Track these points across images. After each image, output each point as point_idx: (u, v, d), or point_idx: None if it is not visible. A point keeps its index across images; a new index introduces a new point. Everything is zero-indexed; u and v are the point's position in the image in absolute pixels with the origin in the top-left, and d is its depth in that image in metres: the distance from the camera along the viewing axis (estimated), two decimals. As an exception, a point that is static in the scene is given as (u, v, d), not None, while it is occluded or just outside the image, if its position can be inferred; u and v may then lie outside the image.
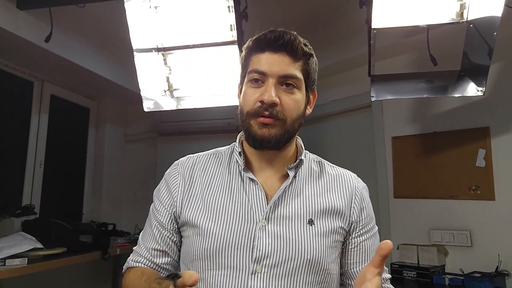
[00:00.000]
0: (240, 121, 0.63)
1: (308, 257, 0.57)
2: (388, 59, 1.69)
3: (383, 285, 0.65)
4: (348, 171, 0.69)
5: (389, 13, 1.19)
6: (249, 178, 0.62)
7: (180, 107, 1.42)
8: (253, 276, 0.56)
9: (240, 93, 0.64)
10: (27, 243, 1.27)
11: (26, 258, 1.23)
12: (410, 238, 1.64)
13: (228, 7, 1.23)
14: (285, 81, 0.59)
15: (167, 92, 1.40)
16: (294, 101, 0.60)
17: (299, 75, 0.60)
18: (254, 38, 0.63)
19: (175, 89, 1.41)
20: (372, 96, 1.38)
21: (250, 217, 0.59)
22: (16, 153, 1.71)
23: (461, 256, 1.51)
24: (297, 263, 0.57)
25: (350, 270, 0.65)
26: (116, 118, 2.26)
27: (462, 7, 1.18)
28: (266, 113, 0.58)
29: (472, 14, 1.17)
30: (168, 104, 1.42)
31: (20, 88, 1.74)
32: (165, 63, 1.36)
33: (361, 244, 0.64)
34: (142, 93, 1.38)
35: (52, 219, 1.51)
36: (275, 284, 0.56)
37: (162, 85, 1.39)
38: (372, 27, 1.21)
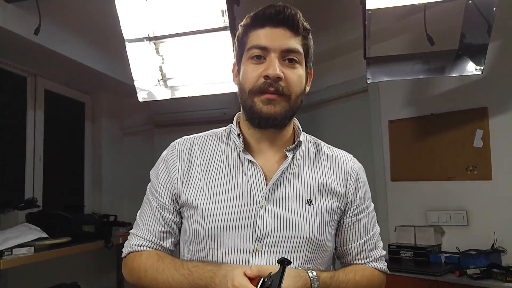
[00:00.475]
0: (241, 100, 0.61)
1: (307, 236, 0.59)
2: (384, 42, 1.66)
3: (371, 263, 0.67)
4: (344, 152, 0.70)
5: (384, -8, 1.16)
6: (248, 160, 0.62)
7: (174, 96, 1.41)
8: (254, 254, 0.57)
9: (238, 74, 0.62)
10: (32, 233, 1.30)
11: (33, 247, 1.26)
12: (407, 219, 1.67)
13: (219, -8, 1.20)
14: (287, 56, 0.58)
15: (161, 82, 1.39)
16: (298, 76, 0.59)
17: (301, 49, 0.59)
18: (251, 14, 0.61)
19: (169, 78, 1.39)
20: (368, 79, 1.36)
21: (250, 198, 0.59)
22: (15, 149, 1.73)
23: (457, 235, 1.53)
24: (297, 241, 0.58)
25: (343, 247, 0.67)
26: (111, 111, 2.25)
27: (460, -17, 1.15)
28: (271, 89, 0.57)
29: (471, -11, 1.13)
30: (162, 94, 1.41)
31: (13, 84, 1.73)
32: (158, 52, 1.35)
33: (355, 223, 0.65)
34: (136, 84, 1.37)
35: (55, 210, 1.53)
36: (275, 261, 0.56)
37: (155, 74, 1.38)
38: (367, 8, 1.18)
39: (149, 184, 0.67)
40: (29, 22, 1.40)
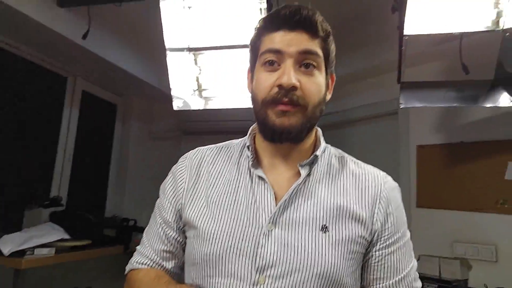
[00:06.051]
0: (254, 111, 0.55)
1: (319, 270, 0.49)
2: (417, 66, 1.67)
3: None
4: (375, 168, 0.60)
5: (422, 19, 1.18)
6: (258, 176, 0.55)
7: (207, 107, 1.45)
8: (255, 287, 0.49)
9: (252, 81, 0.57)
10: (55, 233, 1.31)
11: (54, 248, 1.26)
12: (432, 249, 1.61)
13: (260, 9, 1.25)
14: (304, 60, 0.52)
15: (196, 92, 1.43)
16: (315, 84, 0.53)
17: (320, 52, 0.53)
18: (265, 16, 0.56)
19: (204, 89, 1.43)
20: (401, 103, 1.36)
21: (255, 220, 0.52)
22: (48, 146, 1.77)
23: (485, 271, 1.46)
24: (306, 276, 0.49)
25: (372, 287, 0.55)
26: (142, 115, 2.30)
27: (499, 15, 1.16)
28: (285, 99, 0.51)
29: (509, 22, 1.14)
30: (197, 104, 1.44)
31: (54, 83, 1.80)
32: (196, 63, 1.39)
33: (386, 257, 0.54)
34: (172, 92, 1.42)
35: (78, 211, 1.55)
36: None
37: (192, 84, 1.42)
38: (404, 33, 1.20)
39: (158, 200, 0.63)
40: (78, 26, 1.48)
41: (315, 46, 0.53)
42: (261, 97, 0.53)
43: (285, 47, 0.52)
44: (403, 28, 1.19)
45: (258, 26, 0.57)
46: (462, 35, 1.31)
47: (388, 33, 1.37)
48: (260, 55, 0.54)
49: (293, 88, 0.51)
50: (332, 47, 0.57)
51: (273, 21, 0.54)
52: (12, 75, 1.59)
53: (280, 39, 0.52)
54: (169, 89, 1.42)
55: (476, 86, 1.38)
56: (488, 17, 1.17)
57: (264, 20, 0.56)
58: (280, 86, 0.51)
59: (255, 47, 0.57)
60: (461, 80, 1.41)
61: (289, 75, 0.51)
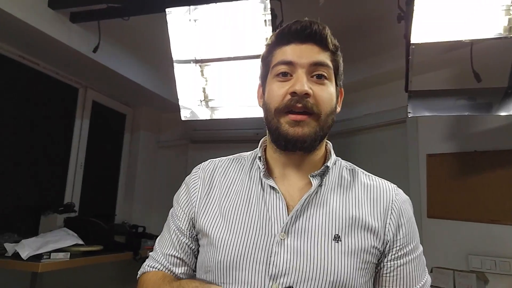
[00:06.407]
0: (266, 121, 0.56)
1: (332, 279, 0.50)
2: (426, 74, 1.63)
3: None
4: (386, 181, 0.60)
5: (429, 27, 1.15)
6: (270, 186, 0.56)
7: (214, 117, 1.46)
8: None
9: (264, 94, 0.58)
10: (70, 238, 1.34)
11: (69, 253, 1.29)
12: (445, 261, 1.55)
13: (265, 20, 1.26)
14: (315, 71, 0.54)
15: (203, 102, 1.45)
16: (327, 93, 0.54)
17: (330, 64, 0.55)
18: (276, 32, 0.58)
19: (210, 100, 1.45)
20: (409, 112, 1.34)
21: (267, 229, 0.53)
22: (61, 155, 1.84)
23: (503, 285, 1.40)
24: (319, 284, 0.49)
25: None
26: (150, 125, 2.35)
27: (511, 21, 1.13)
28: (299, 105, 0.52)
29: (521, 28, 1.10)
30: (203, 114, 1.46)
31: (66, 94, 1.87)
32: (202, 74, 1.41)
33: (398, 269, 0.54)
34: (180, 103, 1.44)
35: (90, 217, 1.59)
36: None
37: (198, 95, 1.44)
38: (411, 42, 1.18)
39: (171, 209, 0.64)
40: (89, 40, 1.54)
41: (325, 58, 0.55)
42: (274, 106, 0.54)
43: (297, 58, 0.54)
44: (409, 37, 1.17)
45: (269, 42, 0.58)
46: (472, 42, 1.28)
47: (396, 40, 1.35)
48: (272, 68, 0.56)
49: (306, 95, 0.52)
50: (341, 61, 0.58)
51: (284, 35, 0.55)
52: (27, 87, 1.66)
53: (292, 52, 0.54)
54: (177, 100, 1.44)
55: (489, 94, 1.34)
56: (499, 23, 1.13)
57: (276, 35, 0.57)
58: (293, 94, 0.52)
59: (266, 61, 0.58)
60: (472, 88, 1.37)
61: (302, 82, 0.52)
